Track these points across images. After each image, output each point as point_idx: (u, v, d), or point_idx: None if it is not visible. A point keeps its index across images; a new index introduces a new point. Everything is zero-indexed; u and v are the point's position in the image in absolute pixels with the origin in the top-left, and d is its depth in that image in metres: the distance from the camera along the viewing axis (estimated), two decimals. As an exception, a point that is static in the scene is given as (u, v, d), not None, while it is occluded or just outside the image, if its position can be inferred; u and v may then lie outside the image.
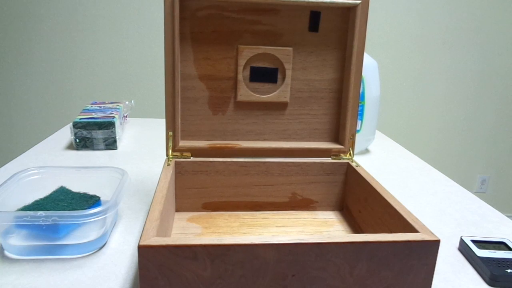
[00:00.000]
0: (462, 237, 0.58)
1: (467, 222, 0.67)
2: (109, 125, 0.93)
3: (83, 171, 0.63)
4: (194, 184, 0.63)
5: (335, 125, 0.68)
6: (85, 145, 0.93)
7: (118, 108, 1.05)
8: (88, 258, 0.52)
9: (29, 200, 0.58)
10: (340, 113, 0.67)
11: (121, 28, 1.98)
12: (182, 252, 0.38)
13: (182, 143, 0.64)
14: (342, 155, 0.67)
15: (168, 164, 0.60)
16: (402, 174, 0.88)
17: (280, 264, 0.40)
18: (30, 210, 0.54)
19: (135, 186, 0.75)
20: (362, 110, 0.93)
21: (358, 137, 0.94)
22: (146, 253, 0.38)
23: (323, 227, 0.62)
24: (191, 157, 0.63)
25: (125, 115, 1.13)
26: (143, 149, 0.97)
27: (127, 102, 1.15)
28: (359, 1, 0.61)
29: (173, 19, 0.58)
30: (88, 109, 1.03)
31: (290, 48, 0.63)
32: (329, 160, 0.66)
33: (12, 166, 0.82)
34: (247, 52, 0.63)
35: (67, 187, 0.62)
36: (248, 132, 0.66)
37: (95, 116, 0.96)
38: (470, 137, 2.29)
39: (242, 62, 0.63)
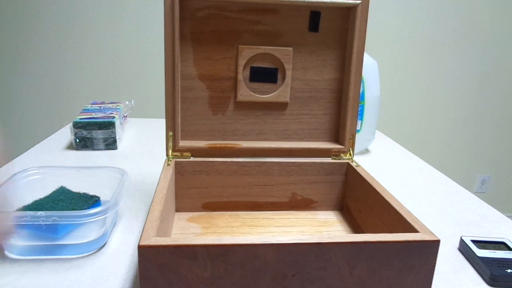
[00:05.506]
0: (462, 237, 0.58)
1: (467, 222, 0.67)
2: (109, 125, 0.93)
3: (83, 171, 0.63)
4: (194, 184, 0.63)
5: (335, 125, 0.68)
6: (85, 145, 0.93)
7: (118, 108, 1.05)
8: (88, 258, 0.52)
9: (29, 200, 0.58)
10: (340, 113, 0.67)
11: (121, 28, 1.98)
12: (182, 252, 0.38)
13: (182, 143, 0.64)
14: (342, 155, 0.67)
15: (168, 164, 0.60)
16: (402, 174, 0.88)
17: (280, 264, 0.40)
18: (30, 210, 0.54)
19: (135, 186, 0.75)
20: (362, 110, 0.93)
21: (358, 137, 0.94)
22: (146, 253, 0.38)
23: (323, 227, 0.62)
24: (191, 157, 0.63)
25: (125, 115, 1.13)
26: (143, 149, 0.97)
27: (127, 102, 1.15)
28: (359, 1, 0.61)
29: (173, 19, 0.58)
30: (88, 109, 1.03)
31: (290, 48, 0.63)
32: (329, 160, 0.66)
33: (12, 166, 0.82)
34: (247, 52, 0.63)
35: (67, 187, 0.62)
36: (248, 132, 0.66)
37: (95, 116, 0.96)
38: (470, 137, 2.29)
39: (242, 62, 0.63)
